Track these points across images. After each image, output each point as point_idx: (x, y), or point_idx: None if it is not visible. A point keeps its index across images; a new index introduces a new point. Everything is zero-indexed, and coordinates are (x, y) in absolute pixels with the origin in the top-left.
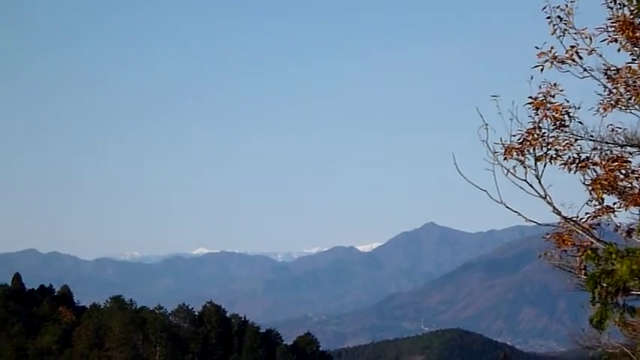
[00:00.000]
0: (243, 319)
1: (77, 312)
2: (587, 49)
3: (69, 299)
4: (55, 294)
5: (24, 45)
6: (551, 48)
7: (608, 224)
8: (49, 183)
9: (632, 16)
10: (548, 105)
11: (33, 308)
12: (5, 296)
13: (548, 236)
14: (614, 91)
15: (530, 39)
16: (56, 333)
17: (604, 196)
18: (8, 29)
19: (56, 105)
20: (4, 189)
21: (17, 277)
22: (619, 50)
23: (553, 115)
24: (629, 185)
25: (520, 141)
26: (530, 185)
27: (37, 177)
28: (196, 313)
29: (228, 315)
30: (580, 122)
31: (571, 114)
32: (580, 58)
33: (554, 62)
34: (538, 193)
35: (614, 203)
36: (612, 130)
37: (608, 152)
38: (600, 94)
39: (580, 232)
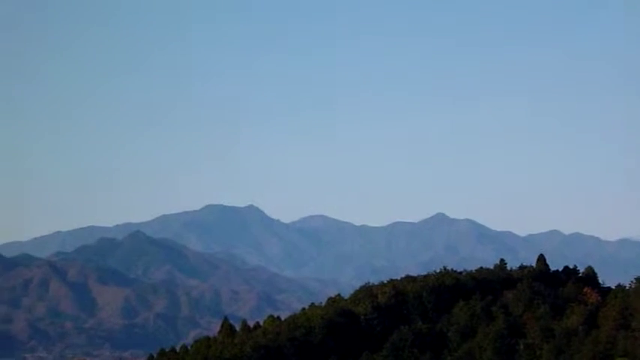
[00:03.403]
0: None
1: (602, 293)
2: None
3: (593, 280)
4: (580, 275)
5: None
6: None
7: None
8: None
9: None
10: None
11: (558, 289)
12: (531, 277)
13: None
14: None
15: None
16: (582, 314)
17: None
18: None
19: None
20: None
21: (541, 258)
22: None
23: None
24: None
25: None
26: None
27: None
28: None
29: None
30: None
31: None
32: None
33: None
34: None
35: None
36: None
37: None
38: None
39: None
